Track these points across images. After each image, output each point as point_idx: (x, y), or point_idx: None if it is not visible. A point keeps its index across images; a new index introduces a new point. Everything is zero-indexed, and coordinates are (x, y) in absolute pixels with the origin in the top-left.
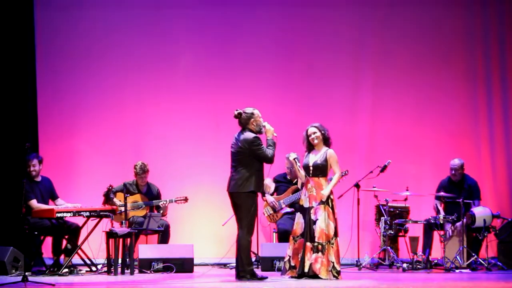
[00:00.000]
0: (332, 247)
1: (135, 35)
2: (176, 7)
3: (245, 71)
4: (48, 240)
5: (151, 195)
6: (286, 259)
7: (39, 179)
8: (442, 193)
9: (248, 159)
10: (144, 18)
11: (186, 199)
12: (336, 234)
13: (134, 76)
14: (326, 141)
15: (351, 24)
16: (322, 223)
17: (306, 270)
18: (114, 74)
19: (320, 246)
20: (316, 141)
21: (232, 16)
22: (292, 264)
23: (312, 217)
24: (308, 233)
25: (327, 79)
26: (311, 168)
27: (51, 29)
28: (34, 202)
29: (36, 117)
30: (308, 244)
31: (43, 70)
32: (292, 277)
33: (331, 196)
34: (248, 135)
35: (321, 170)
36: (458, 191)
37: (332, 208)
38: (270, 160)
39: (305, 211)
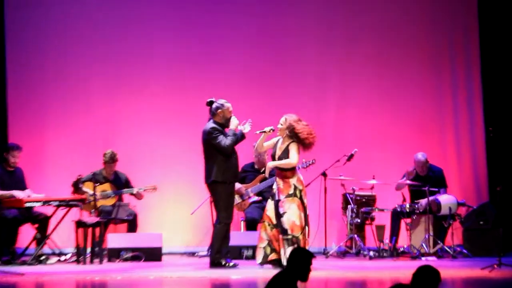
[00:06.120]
0: (304, 236)
1: (104, 28)
2: None
3: (213, 62)
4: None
5: (119, 183)
6: (263, 245)
7: (12, 168)
8: (407, 181)
9: (210, 150)
10: (116, 10)
11: (155, 188)
12: (306, 223)
13: (104, 68)
14: (293, 137)
15: (317, 15)
16: (292, 216)
17: (284, 263)
18: (84, 65)
19: (294, 239)
20: (278, 132)
21: (201, 10)
22: (273, 247)
23: (280, 210)
24: (280, 226)
25: (295, 70)
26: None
27: (21, 22)
28: None
29: (5, 107)
30: (281, 236)
31: (12, 62)
32: (273, 260)
33: (300, 187)
34: (208, 125)
35: None
36: (424, 179)
37: (301, 199)
38: (225, 149)
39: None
